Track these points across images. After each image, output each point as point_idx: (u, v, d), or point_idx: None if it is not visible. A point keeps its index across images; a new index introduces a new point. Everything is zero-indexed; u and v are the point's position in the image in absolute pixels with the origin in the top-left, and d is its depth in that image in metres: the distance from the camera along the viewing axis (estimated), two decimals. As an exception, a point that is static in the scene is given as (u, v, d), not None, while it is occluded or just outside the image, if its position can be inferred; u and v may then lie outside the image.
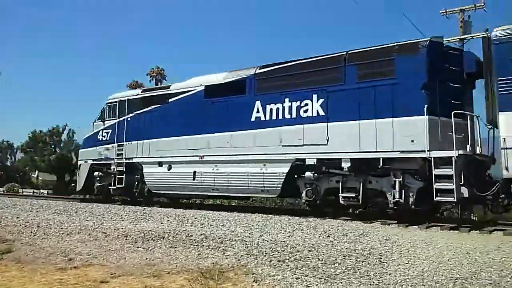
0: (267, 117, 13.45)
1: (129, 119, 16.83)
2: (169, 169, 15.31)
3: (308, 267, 6.57)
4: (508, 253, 7.32)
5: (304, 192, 12.68)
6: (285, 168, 12.85)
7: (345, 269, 6.49)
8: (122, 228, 9.98)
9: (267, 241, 8.53)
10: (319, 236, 9.05)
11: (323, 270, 6.40)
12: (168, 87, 16.39)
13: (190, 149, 14.87)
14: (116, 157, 16.78)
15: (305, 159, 12.56)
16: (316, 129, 12.41)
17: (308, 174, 12.51)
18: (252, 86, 13.91)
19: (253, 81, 13.91)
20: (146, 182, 16.06)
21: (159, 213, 12.98)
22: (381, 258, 7.18)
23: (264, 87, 13.74)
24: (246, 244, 8.28)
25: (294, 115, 12.96)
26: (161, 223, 10.97)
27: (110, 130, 17.40)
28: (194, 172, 14.64)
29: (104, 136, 17.49)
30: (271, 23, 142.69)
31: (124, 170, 16.64)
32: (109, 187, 17.15)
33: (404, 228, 10.47)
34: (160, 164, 15.59)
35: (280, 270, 6.42)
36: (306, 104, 12.73)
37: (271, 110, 13.39)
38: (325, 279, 5.97)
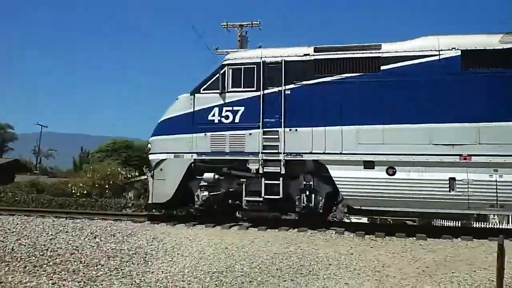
0: None
1: (289, 92, 10.50)
2: (391, 174, 9.88)
3: (68, 271, 6.27)
4: (259, 246, 8.23)
5: None
6: None
7: (108, 270, 6.41)
8: None
9: (24, 246, 7.80)
10: (84, 238, 8.67)
11: (84, 273, 6.19)
12: (374, 46, 10.56)
13: (437, 144, 9.72)
14: (264, 150, 10.48)
15: None
16: None
17: None
18: None
19: None
20: (342, 193, 10.19)
21: None
22: (146, 257, 7.31)
23: None
24: (-3, 250, 7.42)
25: None
26: None
27: (242, 108, 10.73)
28: (451, 179, 9.57)
29: (227, 117, 10.78)
30: None
31: (283, 172, 10.43)
32: (237, 199, 10.83)
33: (172, 226, 10.37)
34: (368, 164, 10.05)
35: (35, 277, 5.97)
36: None
37: None
38: (85, 282, 5.80)
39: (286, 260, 7.15)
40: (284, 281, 6.28)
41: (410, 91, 10.03)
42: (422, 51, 10.11)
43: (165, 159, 10.94)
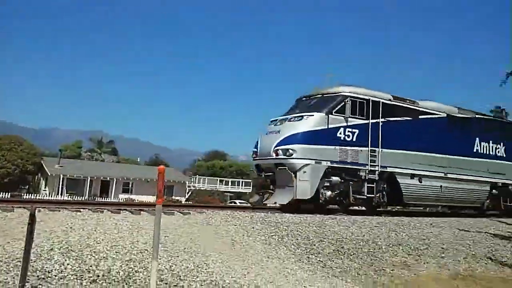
0: None
1: (381, 123, 14.52)
2: (420, 182, 15.44)
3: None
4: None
5: None
6: None
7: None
8: None
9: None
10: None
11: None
12: (414, 102, 16.25)
13: (436, 166, 15.89)
14: (370, 163, 14.18)
15: None
16: None
17: None
18: None
19: None
20: (404, 193, 14.95)
21: None
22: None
23: None
24: None
25: None
26: None
27: (357, 131, 14.01)
28: (440, 186, 15.96)
29: (349, 136, 13.89)
30: None
31: (377, 178, 14.40)
32: (345, 197, 14.06)
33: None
34: (412, 176, 15.26)
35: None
36: None
37: None
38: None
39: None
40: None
41: (427, 133, 15.91)
42: (435, 111, 16.40)
43: (308, 164, 13.04)
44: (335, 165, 13.42)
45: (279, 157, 13.09)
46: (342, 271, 7.83)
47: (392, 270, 8.31)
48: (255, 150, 14.30)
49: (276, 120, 14.23)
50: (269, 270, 6.76)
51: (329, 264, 8.02)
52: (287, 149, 13.02)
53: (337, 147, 13.48)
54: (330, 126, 13.42)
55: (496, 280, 8.59)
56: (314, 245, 8.84)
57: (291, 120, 13.74)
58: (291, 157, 12.97)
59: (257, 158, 14.18)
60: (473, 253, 10.21)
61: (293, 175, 12.81)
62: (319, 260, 8.12)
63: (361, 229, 10.56)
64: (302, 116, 13.60)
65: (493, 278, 8.80)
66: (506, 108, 21.17)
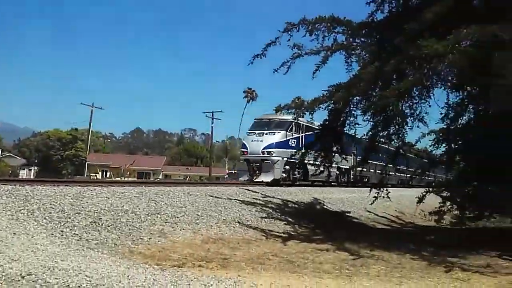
0: None
1: (304, 136, 23.31)
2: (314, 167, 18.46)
3: None
4: None
5: None
6: None
7: None
8: None
9: None
10: None
11: None
12: (313, 123, 20.62)
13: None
14: (299, 158, 17.97)
15: None
16: None
17: None
18: None
19: None
20: (310, 173, 22.04)
21: None
22: None
23: None
24: None
25: None
26: None
27: (296, 140, 23.18)
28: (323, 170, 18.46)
29: (293, 143, 22.84)
30: None
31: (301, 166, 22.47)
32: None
33: None
34: (312, 164, 17.60)
35: None
36: None
37: None
38: None
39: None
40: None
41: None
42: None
43: (279, 159, 22.44)
44: (288, 160, 22.02)
45: (265, 155, 22.18)
46: (99, 243, 7.65)
47: (149, 239, 8.51)
48: (245, 150, 23.20)
49: (255, 133, 23.11)
50: (15, 247, 6.11)
51: (85, 237, 7.74)
52: (269, 151, 22.23)
53: (289, 150, 21.76)
54: (287, 138, 22.79)
55: (242, 241, 9.66)
56: (70, 218, 8.39)
57: (268, 134, 22.71)
58: (272, 155, 22.20)
59: (248, 155, 22.94)
60: (224, 218, 11.24)
61: (273, 165, 21.96)
62: (74, 234, 7.75)
63: (121, 200, 10.46)
64: (274, 132, 22.82)
65: (240, 239, 9.86)
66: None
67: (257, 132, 23.19)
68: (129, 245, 7.94)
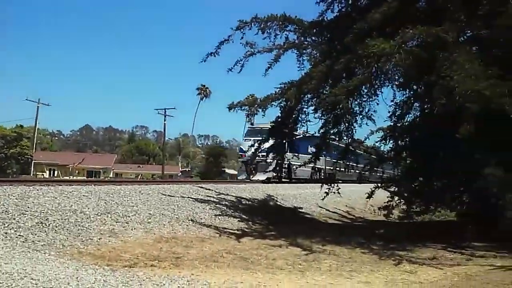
0: None
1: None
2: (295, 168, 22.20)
3: None
4: None
5: None
6: None
7: None
8: None
9: None
10: None
11: None
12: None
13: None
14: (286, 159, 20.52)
15: None
16: None
17: None
18: None
19: None
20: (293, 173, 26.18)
21: None
22: None
23: None
24: None
25: None
26: None
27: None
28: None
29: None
30: None
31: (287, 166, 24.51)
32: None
33: None
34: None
35: None
36: None
37: None
38: None
39: None
40: None
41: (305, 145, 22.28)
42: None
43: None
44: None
45: (260, 158, 21.66)
46: (46, 244, 7.40)
47: (99, 239, 8.30)
48: (243, 154, 27.24)
49: (250, 139, 23.70)
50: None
51: (31, 238, 7.46)
52: (264, 155, 21.22)
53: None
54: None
55: (195, 240, 9.60)
56: (14, 219, 8.06)
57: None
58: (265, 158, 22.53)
59: (245, 158, 26.28)
60: (177, 216, 11.13)
61: (268, 166, 22.43)
62: (19, 235, 7.46)
63: (69, 199, 10.14)
64: (268, 139, 20.95)
65: (193, 237, 9.79)
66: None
67: (252, 138, 25.06)
68: (78, 246, 7.71)
